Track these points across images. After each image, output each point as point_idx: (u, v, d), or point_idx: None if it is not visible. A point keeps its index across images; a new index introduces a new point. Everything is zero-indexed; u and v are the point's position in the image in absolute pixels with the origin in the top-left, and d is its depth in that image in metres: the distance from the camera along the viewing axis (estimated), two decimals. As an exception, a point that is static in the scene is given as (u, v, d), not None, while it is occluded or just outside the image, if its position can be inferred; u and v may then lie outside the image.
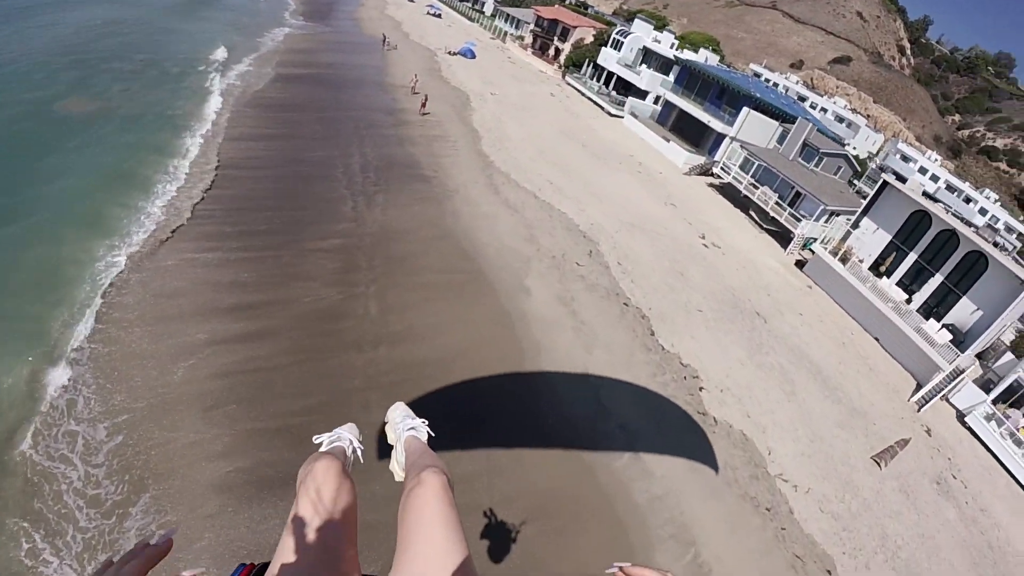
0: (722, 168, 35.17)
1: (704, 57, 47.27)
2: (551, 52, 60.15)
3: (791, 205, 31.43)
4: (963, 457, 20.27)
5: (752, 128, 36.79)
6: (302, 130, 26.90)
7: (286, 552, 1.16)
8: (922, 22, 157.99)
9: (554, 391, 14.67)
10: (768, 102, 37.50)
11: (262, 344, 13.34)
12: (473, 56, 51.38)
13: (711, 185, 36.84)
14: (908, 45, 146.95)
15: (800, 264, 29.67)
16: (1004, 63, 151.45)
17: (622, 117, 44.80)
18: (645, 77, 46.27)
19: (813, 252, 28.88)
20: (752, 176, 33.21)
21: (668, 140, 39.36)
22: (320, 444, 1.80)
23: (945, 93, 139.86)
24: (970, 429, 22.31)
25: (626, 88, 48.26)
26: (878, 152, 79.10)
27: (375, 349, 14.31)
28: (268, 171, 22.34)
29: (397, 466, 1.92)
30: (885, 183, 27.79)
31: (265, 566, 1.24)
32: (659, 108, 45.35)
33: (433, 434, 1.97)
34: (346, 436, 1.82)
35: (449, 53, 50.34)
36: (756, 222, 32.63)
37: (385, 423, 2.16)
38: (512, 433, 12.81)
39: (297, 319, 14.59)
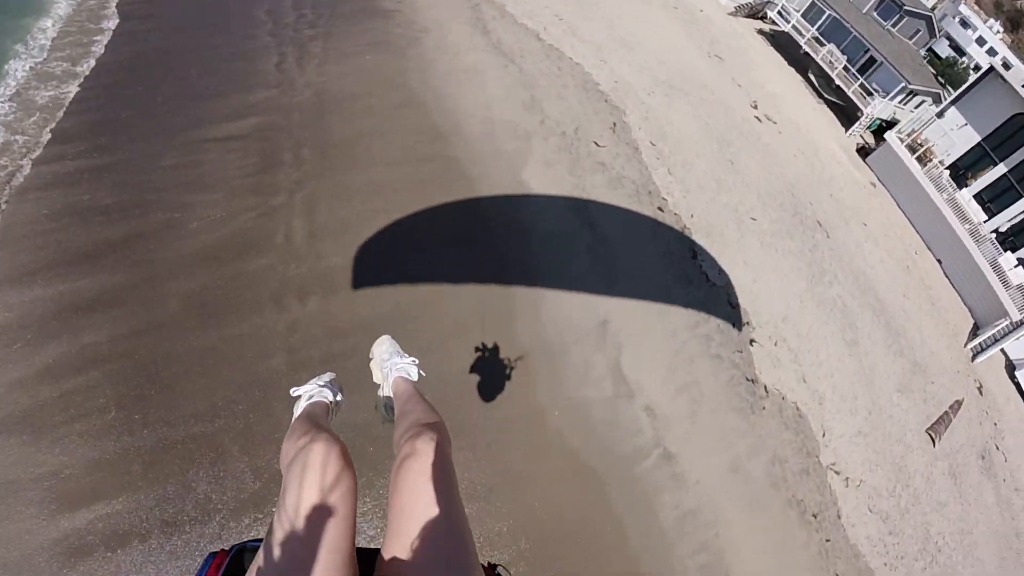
0: (779, 13, 26.38)
1: None
2: None
3: (861, 73, 23.66)
4: (1008, 421, 16.16)
5: (818, -43, 27.27)
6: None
7: (275, 548, 0.99)
8: None
9: (565, 358, 9.73)
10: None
11: (124, 312, 8.12)
12: None
13: (761, 32, 28.20)
14: None
15: (863, 152, 22.81)
16: None
17: None
18: None
19: (884, 140, 21.90)
20: (817, 29, 24.83)
21: None
22: (298, 398, 1.65)
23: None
24: (1019, 386, 17.85)
25: None
26: (933, 8, 64.71)
27: (302, 303, 9.12)
28: (153, 21, 15.17)
29: (384, 409, 1.76)
30: (991, 68, 20.34)
31: (239, 550, 1.17)
32: None
33: (424, 374, 1.77)
34: (327, 389, 1.66)
35: None
36: (815, 89, 24.91)
37: (370, 359, 1.91)
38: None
39: (184, 261, 9.11)
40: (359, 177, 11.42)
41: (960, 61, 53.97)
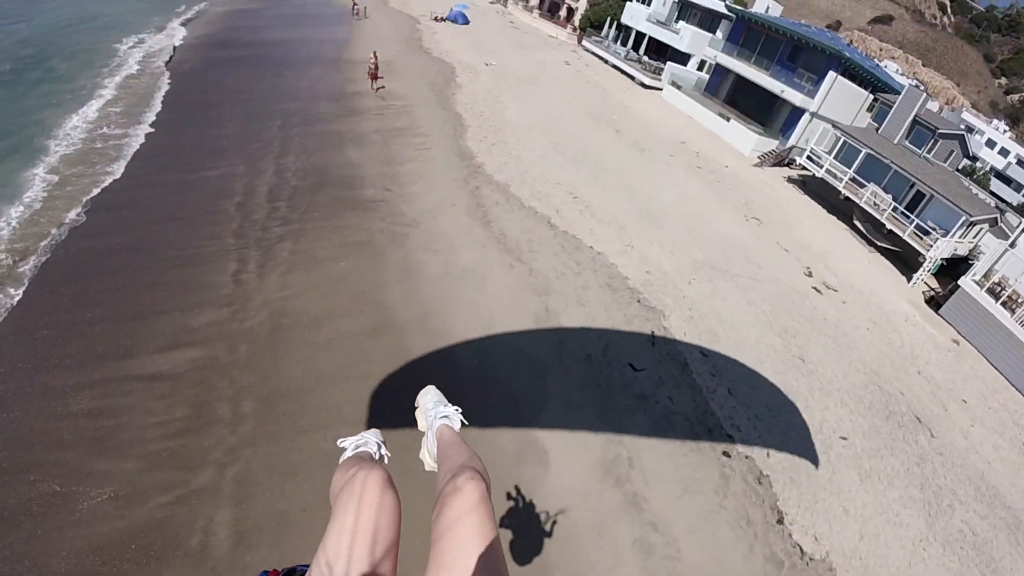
0: (809, 157, 25.51)
1: (766, 6, 36.27)
2: (563, 13, 49.78)
3: (911, 210, 22.01)
4: None
5: (838, 100, 27.04)
6: (205, 134, 18.00)
7: (323, 568, 1.06)
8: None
9: None
10: (860, 64, 27.60)
11: None
12: (466, 21, 41.45)
13: (791, 180, 27.31)
14: (948, 2, 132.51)
15: (934, 303, 20.35)
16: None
17: (660, 89, 34.87)
18: (686, 36, 35.96)
19: (957, 286, 19.57)
20: (853, 169, 23.64)
21: (727, 118, 29.52)
22: (344, 449, 1.71)
23: (988, 54, 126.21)
24: None
25: (660, 51, 38.32)
26: (963, 127, 67.05)
27: None
28: (125, 212, 13.67)
29: (428, 456, 1.81)
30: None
31: (289, 571, 1.25)
32: (707, 75, 35.33)
33: (467, 423, 1.82)
34: (372, 440, 1.73)
35: (435, 19, 40.53)
36: (864, 237, 23.11)
37: (415, 408, 2.00)
38: None
39: (63, 563, 6.64)
40: (313, 446, 8.58)
41: (978, 168, 53.78)
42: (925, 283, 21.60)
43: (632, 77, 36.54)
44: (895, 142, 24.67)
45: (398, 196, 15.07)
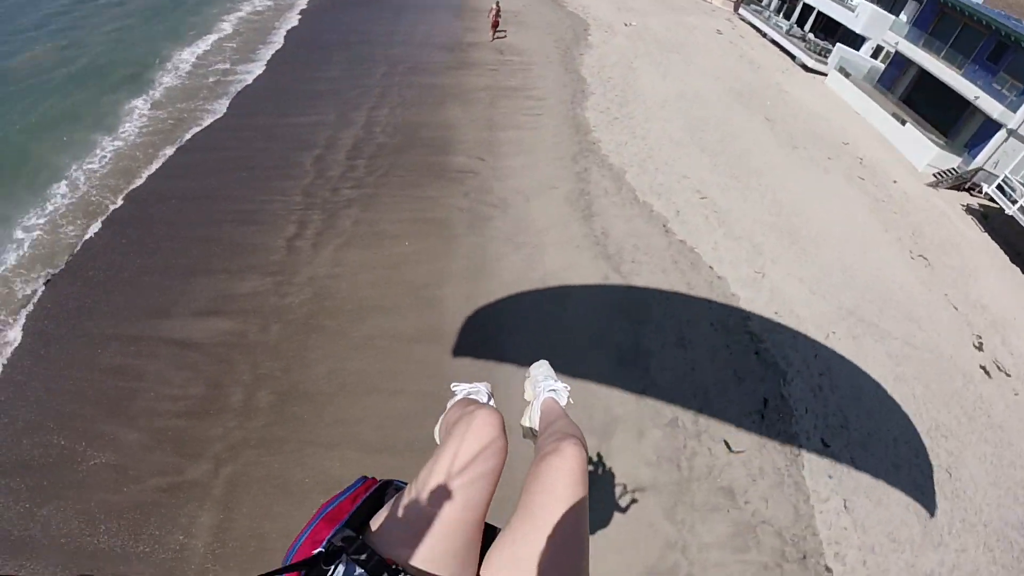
0: (1000, 186, 19.72)
1: None
2: None
3: None
4: None
5: (1051, 119, 20.68)
6: (306, 77, 17.29)
7: (422, 488, 1.07)
8: None
9: None
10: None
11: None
12: (612, -26, 37.97)
13: (969, 210, 21.62)
14: None
15: None
16: None
17: (825, 75, 29.32)
18: (863, 15, 29.65)
19: None
20: None
21: (903, 121, 23.87)
22: (454, 393, 1.80)
23: None
24: None
25: (830, 30, 32.37)
26: None
27: None
28: (207, 155, 13.27)
29: (528, 423, 1.84)
30: None
31: (385, 484, 1.26)
32: (883, 65, 29.13)
33: (572, 402, 1.79)
34: (484, 391, 1.84)
35: (578, -30, 37.37)
36: None
37: (526, 377, 2.04)
38: None
39: (68, 520, 6.82)
40: (317, 464, 7.22)
41: None
42: None
43: (793, 56, 30.94)
44: None
45: (491, 169, 13.14)
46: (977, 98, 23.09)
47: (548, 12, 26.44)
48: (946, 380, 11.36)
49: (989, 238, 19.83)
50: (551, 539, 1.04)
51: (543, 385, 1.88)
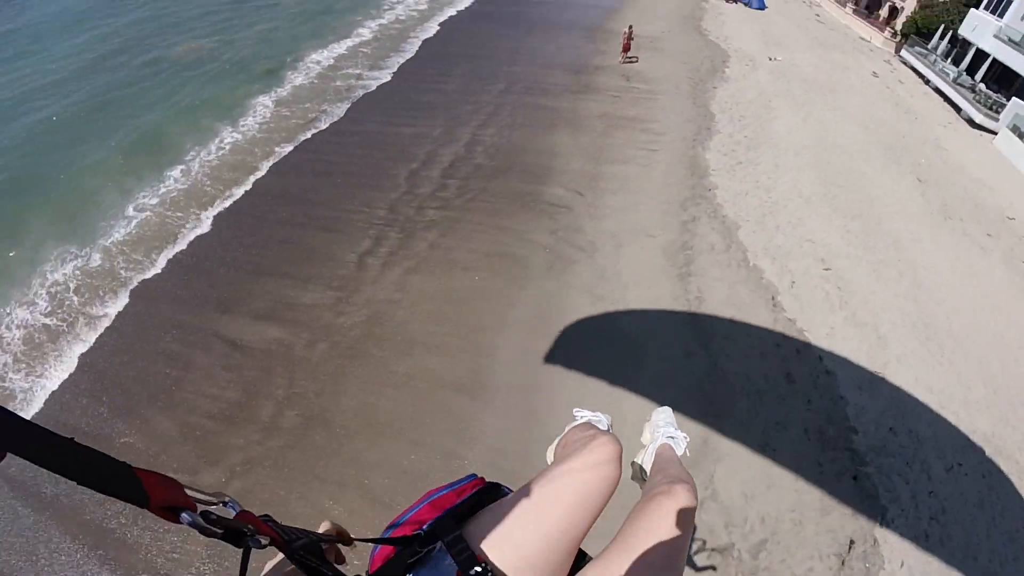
0: None
1: None
2: (883, 12, 39.34)
3: None
4: None
5: None
6: (423, 87, 17.54)
7: (527, 496, 1.08)
8: None
9: None
10: None
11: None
12: (762, 6, 35.27)
13: None
14: None
15: None
16: None
17: (995, 133, 24.77)
18: None
19: None
20: None
21: None
22: (575, 418, 1.76)
23: None
24: None
25: (1005, 81, 27.45)
26: None
27: None
28: (316, 156, 13.79)
29: (640, 461, 1.82)
30: None
31: (492, 487, 1.24)
32: None
33: (689, 454, 1.76)
34: (605, 420, 1.77)
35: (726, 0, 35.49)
36: None
37: (646, 421, 2.01)
38: None
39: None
40: (318, 501, 6.68)
41: None
42: None
43: (958, 109, 26.50)
44: None
45: (586, 205, 12.15)
46: None
47: (687, 40, 24.92)
48: None
49: None
50: (644, 574, 1.02)
51: (663, 431, 1.87)
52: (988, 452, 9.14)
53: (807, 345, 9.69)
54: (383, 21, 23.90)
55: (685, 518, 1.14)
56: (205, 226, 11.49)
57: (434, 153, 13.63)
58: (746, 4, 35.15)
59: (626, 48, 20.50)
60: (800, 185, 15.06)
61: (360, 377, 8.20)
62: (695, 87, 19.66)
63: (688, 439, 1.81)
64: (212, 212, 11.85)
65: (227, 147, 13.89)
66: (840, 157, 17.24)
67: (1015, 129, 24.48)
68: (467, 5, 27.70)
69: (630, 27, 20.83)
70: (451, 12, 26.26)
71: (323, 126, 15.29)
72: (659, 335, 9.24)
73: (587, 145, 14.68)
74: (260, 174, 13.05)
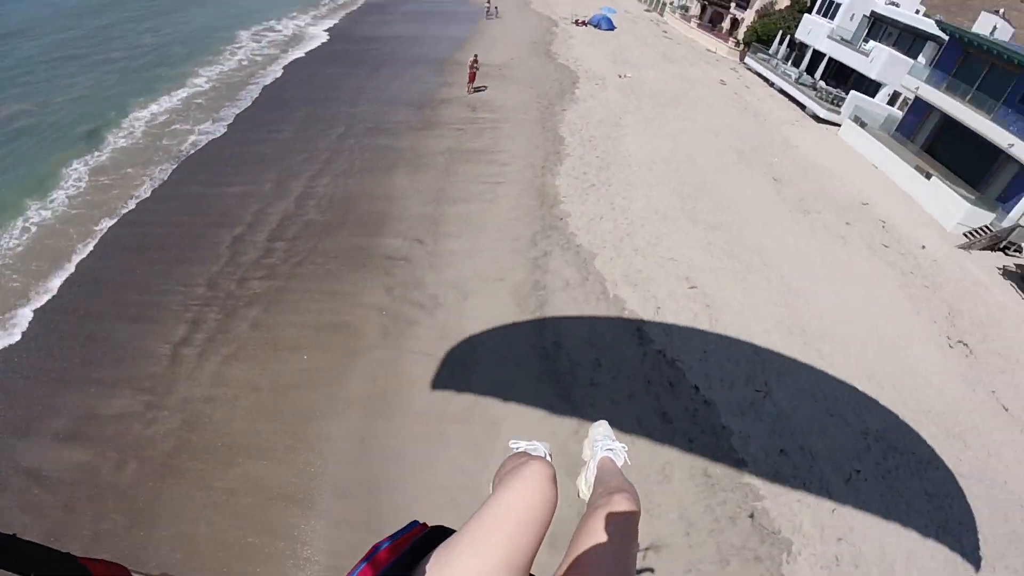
0: None
1: (992, 26, 27.81)
2: (725, 24, 43.46)
3: None
4: None
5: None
6: (254, 139, 16.47)
7: (468, 534, 1.04)
8: None
9: None
10: None
11: None
12: (611, 27, 37.35)
13: (1005, 272, 19.83)
14: None
15: None
16: None
17: (838, 124, 28.01)
18: (878, 60, 28.45)
19: None
20: None
21: (927, 175, 22.27)
22: (512, 449, 1.74)
23: None
24: None
25: (842, 78, 31.26)
26: None
27: None
28: (137, 228, 12.35)
29: (584, 484, 1.82)
30: None
31: (436, 531, 1.22)
32: (901, 112, 27.76)
33: (630, 462, 1.82)
34: (542, 448, 1.73)
35: (576, 23, 36.97)
36: None
37: (585, 438, 2.01)
38: None
39: None
40: None
41: None
42: None
43: (803, 106, 29.77)
44: None
45: (426, 254, 11.77)
46: (1011, 145, 21.39)
47: (537, 65, 25.60)
48: (1001, 521, 9.24)
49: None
50: None
51: (601, 444, 1.88)
52: (882, 448, 9.53)
53: (681, 376, 9.63)
54: (223, 68, 22.34)
55: (628, 526, 1.19)
56: (14, 334, 9.89)
57: (261, 213, 12.65)
58: (595, 26, 36.99)
59: (472, 78, 20.65)
60: (655, 201, 15.58)
61: (176, 499, 7.14)
62: (544, 111, 20.11)
63: (627, 448, 1.85)
64: (17, 314, 10.24)
65: (33, 228, 12.19)
66: (693, 168, 18.21)
67: (856, 119, 27.55)
68: (315, 47, 26.85)
69: (475, 56, 21.00)
70: (298, 54, 25.21)
71: (145, 194, 13.85)
72: (517, 391, 8.79)
73: (427, 186, 14.33)
74: (75, 259, 11.53)
